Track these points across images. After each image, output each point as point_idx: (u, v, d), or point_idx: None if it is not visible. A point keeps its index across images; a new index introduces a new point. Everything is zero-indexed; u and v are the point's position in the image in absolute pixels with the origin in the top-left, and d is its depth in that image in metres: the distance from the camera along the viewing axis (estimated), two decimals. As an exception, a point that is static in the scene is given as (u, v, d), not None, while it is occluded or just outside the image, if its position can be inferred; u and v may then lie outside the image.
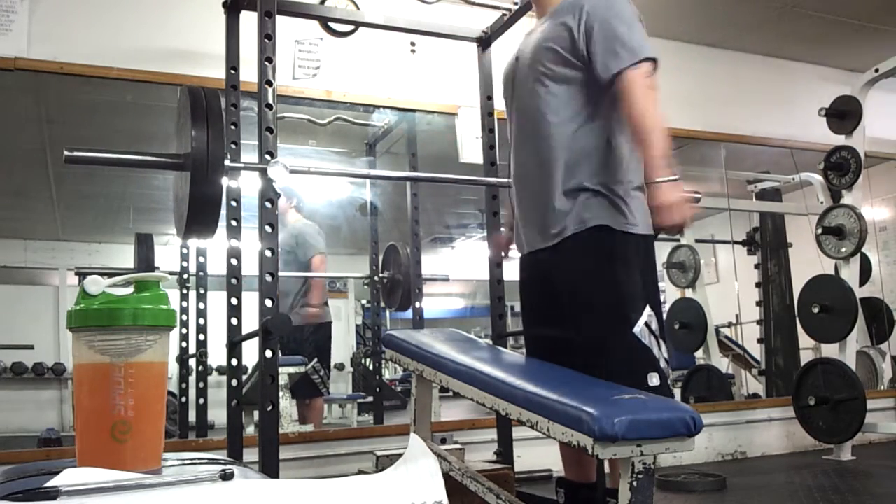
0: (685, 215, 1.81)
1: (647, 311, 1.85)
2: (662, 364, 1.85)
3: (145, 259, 3.44)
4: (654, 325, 1.85)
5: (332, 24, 3.16)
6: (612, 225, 1.86)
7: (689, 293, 5.09)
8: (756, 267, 5.09)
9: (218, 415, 3.46)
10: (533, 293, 2.06)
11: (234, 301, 2.53)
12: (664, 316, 5.28)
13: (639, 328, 1.83)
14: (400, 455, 1.42)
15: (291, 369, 3.80)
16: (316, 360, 4.00)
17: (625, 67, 1.82)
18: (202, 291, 4.09)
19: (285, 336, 3.52)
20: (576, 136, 1.89)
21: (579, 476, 2.04)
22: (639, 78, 1.82)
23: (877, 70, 3.92)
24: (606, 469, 2.01)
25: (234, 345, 2.52)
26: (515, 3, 2.77)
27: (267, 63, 2.30)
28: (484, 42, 2.93)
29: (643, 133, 1.81)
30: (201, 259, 4.13)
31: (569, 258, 1.89)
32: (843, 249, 3.90)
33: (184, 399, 4.26)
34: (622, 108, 1.85)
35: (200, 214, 2.09)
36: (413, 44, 3.64)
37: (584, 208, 1.87)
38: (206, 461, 1.31)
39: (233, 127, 2.57)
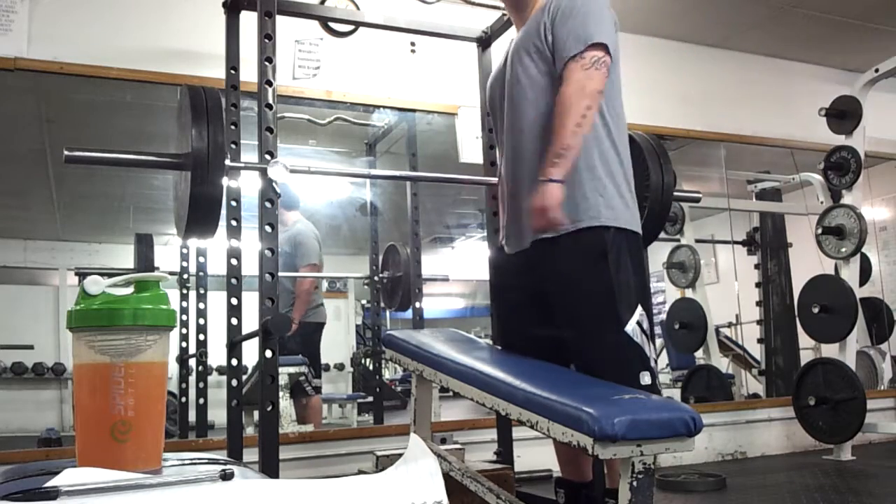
0: (547, 224, 1.77)
1: (639, 310, 1.86)
2: (652, 363, 1.87)
3: (145, 259, 3.44)
4: (646, 325, 1.86)
5: (332, 24, 3.16)
6: (607, 223, 1.86)
7: (689, 293, 5.08)
8: (756, 267, 5.09)
9: (218, 415, 3.46)
10: (518, 291, 2.06)
11: (234, 301, 2.53)
12: (664, 316, 5.28)
13: (630, 327, 1.83)
14: (400, 455, 1.42)
15: (291, 369, 3.80)
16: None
17: (572, 55, 1.81)
18: (202, 291, 4.09)
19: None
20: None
21: (577, 475, 2.04)
22: (578, 68, 1.80)
23: (877, 70, 3.92)
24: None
25: (234, 345, 2.52)
26: (515, 3, 2.76)
27: (267, 63, 2.30)
28: (484, 42, 2.93)
29: (557, 122, 1.78)
30: (201, 259, 4.13)
31: (562, 255, 1.89)
32: (843, 249, 3.89)
33: (184, 399, 4.25)
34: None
35: (200, 214, 2.09)
36: (413, 44, 3.64)
37: (580, 206, 1.87)
38: (206, 461, 1.31)
39: (233, 127, 2.57)
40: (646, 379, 1.82)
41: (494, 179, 2.82)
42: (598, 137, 1.89)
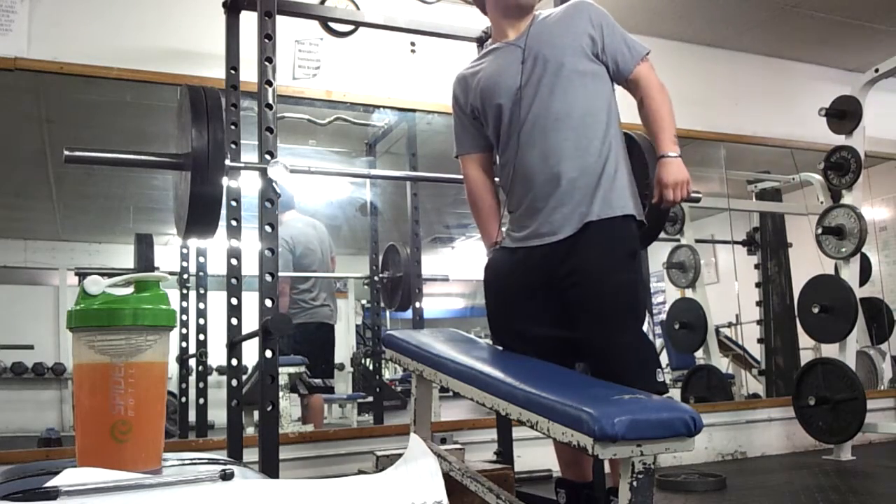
0: (686, 195, 1.95)
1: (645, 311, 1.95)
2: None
3: (145, 259, 3.44)
4: (650, 325, 1.90)
5: (332, 24, 3.16)
6: (637, 215, 1.97)
7: (689, 293, 5.08)
8: (756, 267, 5.09)
9: (218, 415, 3.46)
10: (525, 289, 2.02)
11: (234, 301, 2.53)
12: (664, 316, 5.28)
13: (646, 326, 1.91)
14: (400, 455, 1.43)
15: (291, 369, 3.80)
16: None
17: (643, 56, 2.04)
18: (202, 291, 4.09)
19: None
20: (607, 125, 1.99)
21: (577, 475, 2.04)
22: (650, 67, 2.05)
23: (877, 70, 3.92)
24: (607, 469, 2.02)
25: (234, 345, 2.52)
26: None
27: (267, 63, 2.30)
28: (484, 42, 2.93)
29: (665, 111, 1.99)
30: (201, 259, 4.12)
31: (595, 243, 1.91)
32: (843, 249, 3.89)
33: (184, 399, 4.25)
34: (641, 92, 2.02)
35: (200, 214, 2.09)
36: (413, 44, 3.64)
37: (616, 194, 1.95)
38: (206, 461, 1.31)
39: (233, 127, 2.57)
40: (660, 376, 1.89)
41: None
42: (620, 137, 2.04)
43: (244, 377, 2.75)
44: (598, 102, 2.00)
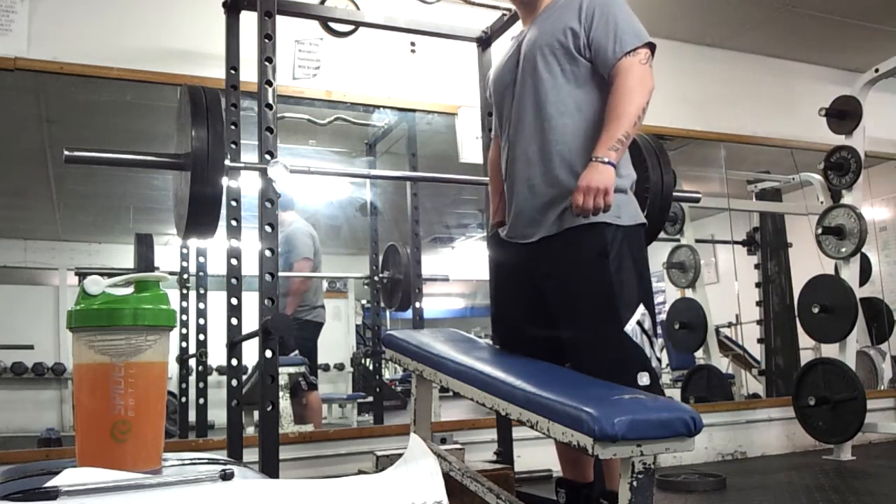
0: (599, 205, 1.76)
1: (641, 309, 1.83)
2: (654, 363, 1.83)
3: (145, 259, 3.44)
4: (647, 324, 1.84)
5: (332, 24, 3.16)
6: (608, 219, 1.85)
7: (689, 293, 5.09)
8: (756, 267, 5.09)
9: (218, 415, 3.46)
10: (516, 285, 2.04)
11: (234, 301, 2.53)
12: (664, 316, 5.27)
13: (630, 327, 1.81)
14: (400, 455, 1.43)
15: (291, 369, 3.80)
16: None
17: (628, 50, 1.85)
18: (202, 291, 4.09)
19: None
20: (579, 130, 1.91)
21: (578, 476, 2.04)
22: (636, 62, 1.85)
23: (877, 70, 3.92)
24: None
25: (234, 345, 2.52)
26: (515, 3, 2.76)
27: (267, 63, 2.31)
28: (484, 42, 2.94)
29: (620, 110, 1.80)
30: (201, 259, 4.13)
31: (563, 252, 1.89)
32: (843, 249, 3.90)
33: (184, 399, 4.25)
34: (612, 87, 1.85)
35: (200, 214, 2.09)
36: (413, 44, 3.63)
37: None
38: (206, 461, 1.31)
39: (233, 127, 2.57)
40: (644, 380, 1.79)
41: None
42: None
43: (244, 377, 2.75)
44: (570, 104, 1.91)
